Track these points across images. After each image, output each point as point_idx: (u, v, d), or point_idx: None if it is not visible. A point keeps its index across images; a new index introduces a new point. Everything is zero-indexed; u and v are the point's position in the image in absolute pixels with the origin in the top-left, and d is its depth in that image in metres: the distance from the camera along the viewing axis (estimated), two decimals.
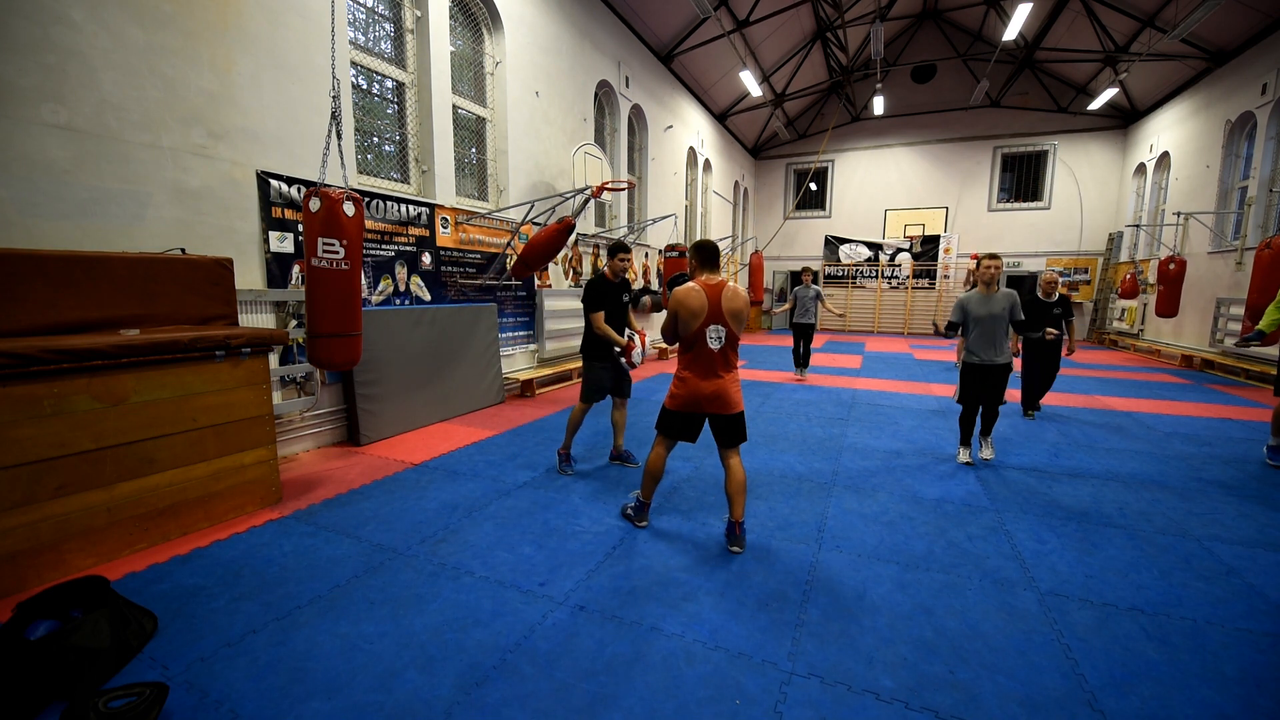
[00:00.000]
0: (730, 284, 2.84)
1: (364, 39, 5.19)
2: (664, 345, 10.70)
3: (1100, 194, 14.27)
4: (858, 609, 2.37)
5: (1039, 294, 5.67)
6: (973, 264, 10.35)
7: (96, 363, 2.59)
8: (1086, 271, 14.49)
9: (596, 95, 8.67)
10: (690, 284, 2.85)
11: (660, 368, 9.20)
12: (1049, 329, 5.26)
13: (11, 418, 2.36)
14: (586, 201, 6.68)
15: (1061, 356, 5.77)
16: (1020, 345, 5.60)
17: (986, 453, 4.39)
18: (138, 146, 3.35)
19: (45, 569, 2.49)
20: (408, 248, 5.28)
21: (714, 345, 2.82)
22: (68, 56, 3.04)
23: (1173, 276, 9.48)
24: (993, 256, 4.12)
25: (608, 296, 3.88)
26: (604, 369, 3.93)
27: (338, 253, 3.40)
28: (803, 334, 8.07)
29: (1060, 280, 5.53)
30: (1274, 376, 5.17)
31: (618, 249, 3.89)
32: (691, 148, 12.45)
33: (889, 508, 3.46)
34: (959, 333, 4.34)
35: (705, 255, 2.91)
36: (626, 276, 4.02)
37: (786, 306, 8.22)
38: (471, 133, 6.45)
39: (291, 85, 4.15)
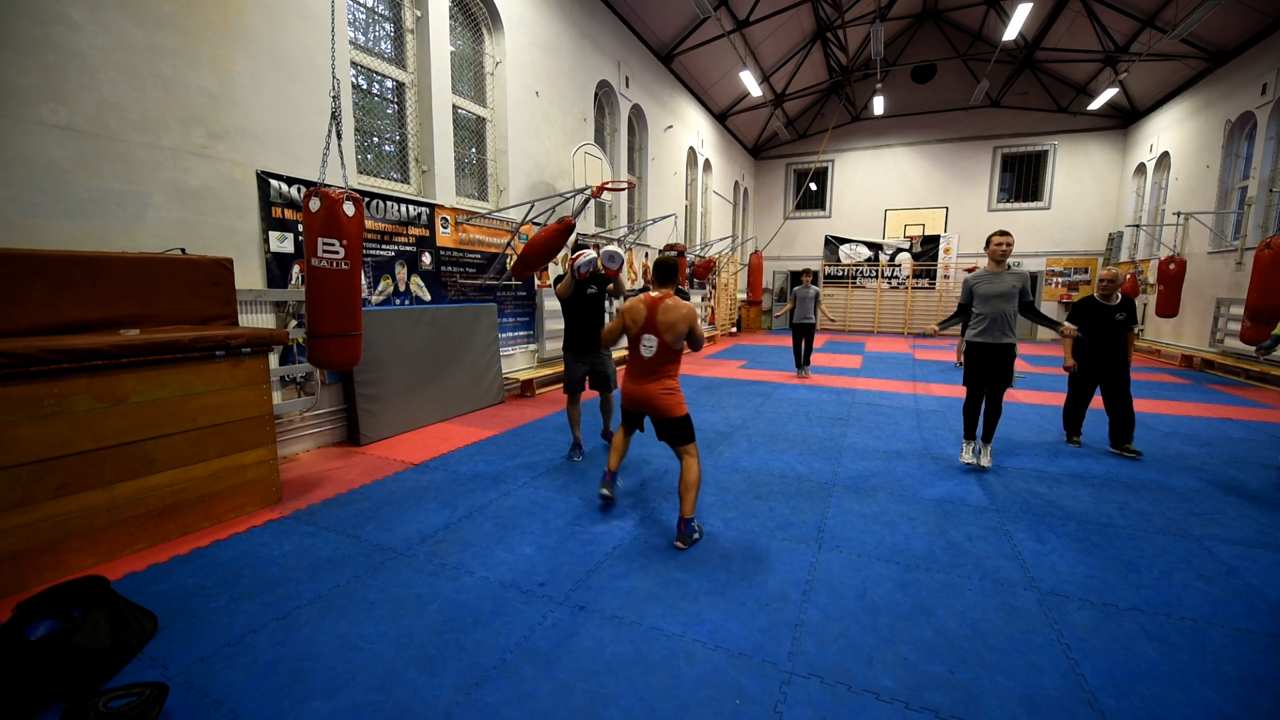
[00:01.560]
0: (671, 299, 3.04)
1: (364, 39, 5.19)
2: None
3: (1100, 194, 14.27)
4: (858, 609, 2.37)
5: (1096, 295, 4.60)
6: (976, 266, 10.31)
7: (96, 363, 2.59)
8: (1086, 271, 14.49)
9: (596, 95, 8.66)
10: (639, 295, 3.15)
11: None
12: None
13: (11, 418, 2.37)
14: (586, 201, 6.68)
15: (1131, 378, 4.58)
16: (1071, 359, 4.60)
17: (984, 460, 4.18)
18: (138, 146, 3.35)
19: (45, 569, 2.49)
20: (408, 248, 5.28)
21: (645, 353, 3.07)
22: (68, 56, 3.04)
23: (1173, 276, 9.48)
24: (1002, 233, 3.98)
25: (574, 282, 4.24)
26: (575, 363, 4.32)
27: (338, 253, 3.40)
28: (803, 333, 8.20)
29: (1119, 278, 4.54)
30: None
31: (580, 249, 4.47)
32: (691, 148, 12.45)
33: (889, 508, 3.46)
34: (964, 317, 4.16)
35: (660, 272, 3.14)
36: (602, 274, 4.33)
37: (788, 308, 8.31)
38: (471, 133, 6.45)
39: (291, 85, 4.15)
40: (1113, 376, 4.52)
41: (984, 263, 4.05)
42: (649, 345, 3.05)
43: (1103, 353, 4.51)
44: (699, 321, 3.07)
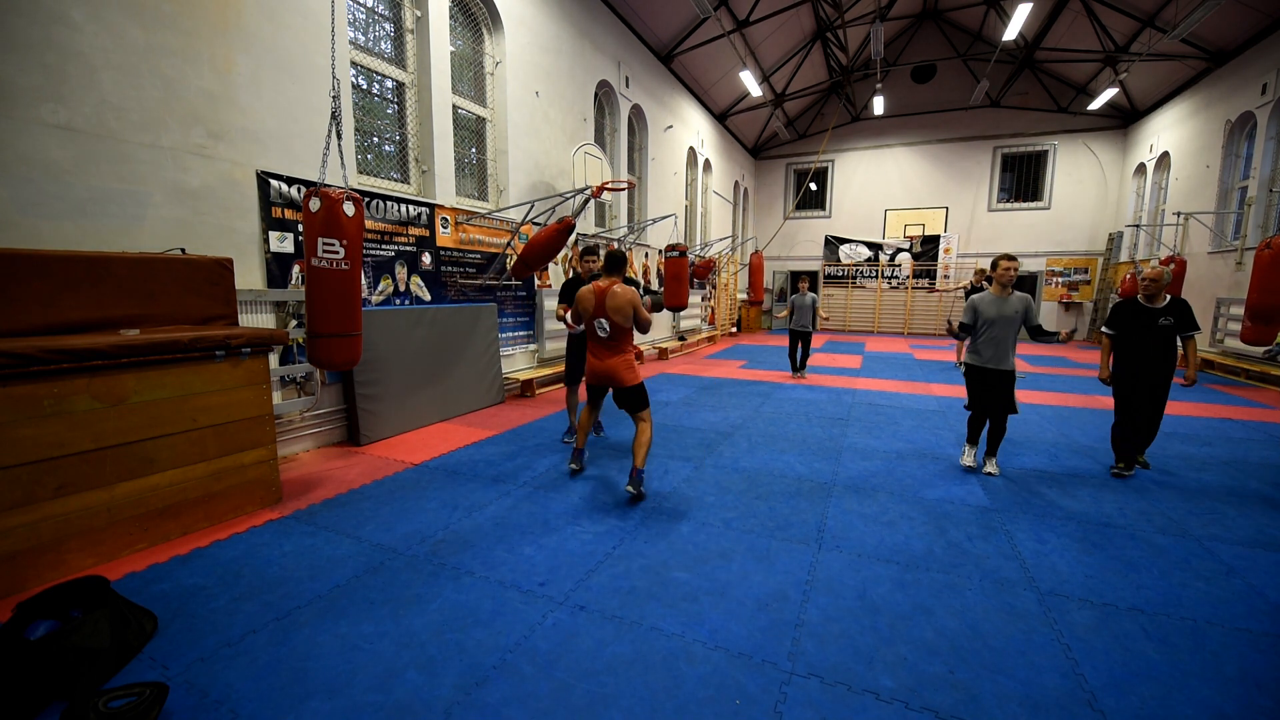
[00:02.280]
0: (618, 286, 3.49)
1: (364, 39, 5.19)
2: (662, 346, 10.72)
3: (1100, 194, 14.27)
4: (858, 609, 2.37)
5: (1139, 297, 4.04)
6: (977, 267, 10.31)
7: (96, 363, 2.59)
8: (1086, 271, 14.49)
9: (596, 95, 8.66)
10: (591, 284, 3.55)
11: (660, 367, 9.20)
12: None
13: (11, 418, 2.36)
14: (586, 201, 6.67)
15: (1172, 384, 4.10)
16: (1107, 370, 4.20)
17: (990, 468, 4.13)
18: (138, 146, 3.35)
19: (45, 569, 2.49)
20: (408, 248, 5.27)
21: (601, 334, 3.55)
22: (68, 56, 3.04)
23: (1173, 276, 9.48)
24: (1009, 258, 3.98)
25: (575, 292, 4.42)
26: (575, 356, 4.67)
27: (338, 253, 3.40)
28: (800, 339, 8.23)
29: (1165, 278, 3.94)
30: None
31: (587, 252, 4.63)
32: (691, 148, 12.45)
33: (889, 508, 3.46)
34: (969, 334, 4.16)
35: (609, 263, 3.60)
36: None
37: (785, 313, 8.33)
38: (471, 133, 6.44)
39: (291, 85, 4.15)
40: (1151, 386, 4.05)
41: (984, 264, 4.00)
42: (603, 327, 3.52)
43: (1142, 362, 4.02)
44: (642, 306, 3.53)
